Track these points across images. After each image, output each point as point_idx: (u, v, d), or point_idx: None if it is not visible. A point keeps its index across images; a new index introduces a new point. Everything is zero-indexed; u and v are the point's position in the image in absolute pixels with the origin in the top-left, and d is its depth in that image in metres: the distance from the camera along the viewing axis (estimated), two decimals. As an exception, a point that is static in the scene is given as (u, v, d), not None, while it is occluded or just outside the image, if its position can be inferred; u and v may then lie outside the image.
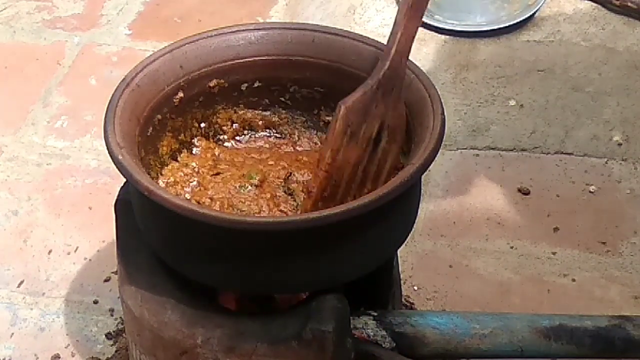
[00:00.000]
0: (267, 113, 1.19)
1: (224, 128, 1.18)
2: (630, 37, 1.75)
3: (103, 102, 1.06)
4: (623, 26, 1.77)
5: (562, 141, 1.62)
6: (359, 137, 1.05)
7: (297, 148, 1.18)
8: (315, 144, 1.18)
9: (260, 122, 1.19)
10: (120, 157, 1.00)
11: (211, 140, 1.16)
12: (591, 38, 1.75)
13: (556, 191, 1.55)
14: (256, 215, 1.09)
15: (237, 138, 1.19)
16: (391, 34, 1.05)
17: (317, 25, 1.19)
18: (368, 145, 1.06)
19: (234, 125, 1.19)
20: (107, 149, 1.01)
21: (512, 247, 1.46)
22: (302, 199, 1.09)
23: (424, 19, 1.80)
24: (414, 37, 1.05)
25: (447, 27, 1.79)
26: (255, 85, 1.17)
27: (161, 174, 1.12)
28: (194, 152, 1.15)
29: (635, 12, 1.78)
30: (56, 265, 1.45)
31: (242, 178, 1.12)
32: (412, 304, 1.37)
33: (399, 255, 1.24)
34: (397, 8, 1.83)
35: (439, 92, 1.07)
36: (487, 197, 1.54)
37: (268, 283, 1.03)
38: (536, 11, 1.80)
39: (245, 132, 1.19)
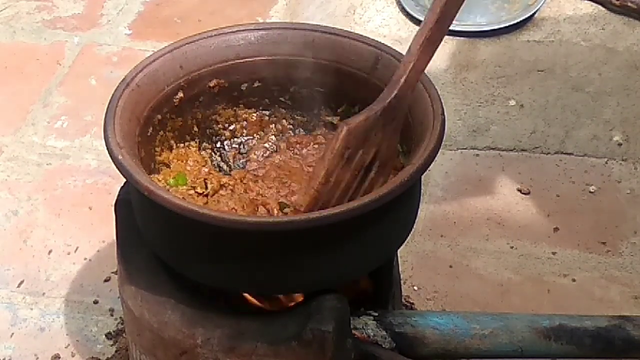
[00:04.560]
0: (267, 113, 1.19)
1: (224, 128, 1.18)
2: (630, 37, 1.75)
3: (103, 102, 1.06)
4: (623, 26, 1.77)
5: (562, 141, 1.62)
6: (354, 162, 1.02)
7: (297, 148, 1.18)
8: (316, 144, 1.18)
9: (260, 122, 1.19)
10: (120, 157, 1.00)
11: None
12: (591, 38, 1.75)
13: (556, 191, 1.55)
14: (256, 215, 1.09)
15: (237, 138, 1.19)
16: (402, 62, 1.02)
17: (317, 25, 1.19)
18: (360, 172, 1.03)
19: (234, 125, 1.19)
20: (107, 149, 1.01)
21: (512, 247, 1.46)
22: None
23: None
24: (423, 70, 1.03)
25: (447, 27, 1.79)
26: (255, 85, 1.17)
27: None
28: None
29: (635, 12, 1.78)
30: (56, 265, 1.45)
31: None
32: (412, 304, 1.37)
33: (399, 255, 1.24)
34: (397, 8, 1.84)
35: (439, 92, 1.07)
36: (487, 197, 1.54)
37: (268, 283, 1.03)
38: (536, 11, 1.80)
39: (245, 132, 1.19)
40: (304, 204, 1.01)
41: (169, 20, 1.92)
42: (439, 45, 1.03)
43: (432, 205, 1.52)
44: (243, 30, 1.15)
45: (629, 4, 1.78)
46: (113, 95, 1.06)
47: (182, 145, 1.15)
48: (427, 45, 1.02)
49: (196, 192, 1.11)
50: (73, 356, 1.33)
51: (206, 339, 1.03)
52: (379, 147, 1.03)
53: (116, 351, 1.32)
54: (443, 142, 1.02)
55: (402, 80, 1.02)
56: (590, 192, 1.54)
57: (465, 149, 1.62)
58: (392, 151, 1.05)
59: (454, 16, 1.03)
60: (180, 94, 1.13)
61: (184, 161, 1.14)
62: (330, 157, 1.01)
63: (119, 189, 1.16)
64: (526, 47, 1.76)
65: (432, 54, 1.03)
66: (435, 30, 1.02)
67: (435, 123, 1.03)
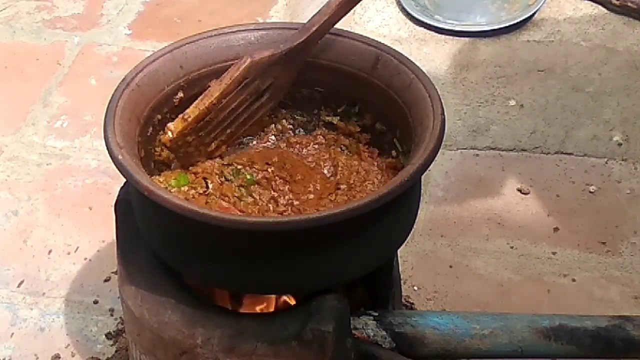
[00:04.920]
0: (267, 113, 1.19)
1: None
2: (630, 37, 1.75)
3: (103, 102, 1.06)
4: (623, 26, 1.77)
5: (562, 141, 1.62)
6: (248, 88, 1.11)
7: (297, 148, 1.18)
8: (316, 144, 1.18)
9: (260, 122, 1.19)
10: (120, 157, 1.00)
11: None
12: (591, 38, 1.75)
13: (556, 191, 1.55)
14: (256, 215, 1.09)
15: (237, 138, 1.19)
16: (319, 12, 1.09)
17: (317, 25, 1.19)
18: (251, 96, 1.12)
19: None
20: (107, 149, 1.01)
21: (512, 247, 1.46)
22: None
23: (424, 19, 1.81)
24: (336, 23, 1.10)
25: (447, 27, 1.79)
26: (255, 85, 1.17)
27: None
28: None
29: (635, 12, 1.78)
30: (56, 265, 1.45)
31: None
32: (412, 304, 1.37)
33: (399, 255, 1.24)
34: (397, 8, 1.84)
35: (439, 92, 1.07)
36: (487, 197, 1.54)
37: (268, 283, 1.03)
38: (536, 11, 1.80)
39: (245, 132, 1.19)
40: (192, 115, 1.09)
41: (169, 20, 1.92)
42: (355, 4, 1.10)
43: (432, 205, 1.52)
44: (243, 30, 1.15)
45: (629, 4, 1.78)
46: (113, 95, 1.06)
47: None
48: (345, 4, 1.09)
49: (197, 192, 1.11)
50: (73, 356, 1.33)
51: (206, 339, 1.03)
52: (275, 78, 1.12)
53: (116, 351, 1.32)
54: (443, 142, 1.02)
55: (314, 28, 1.09)
56: (590, 192, 1.54)
57: (465, 149, 1.62)
58: (288, 79, 1.13)
59: None
60: (180, 94, 1.13)
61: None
62: (228, 82, 1.09)
63: (119, 189, 1.16)
64: (526, 47, 1.76)
65: (348, 11, 1.11)
66: None
67: (435, 123, 1.03)
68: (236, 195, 1.10)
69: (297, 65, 1.12)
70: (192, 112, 1.10)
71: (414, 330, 1.09)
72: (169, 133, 1.10)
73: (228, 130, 1.13)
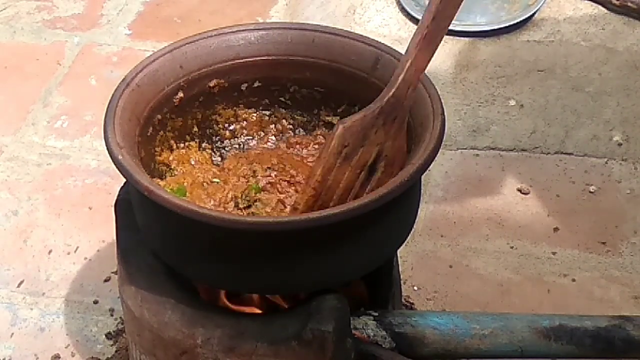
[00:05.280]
0: (267, 113, 1.19)
1: (224, 128, 1.18)
2: (630, 37, 1.75)
3: (103, 102, 1.06)
4: (623, 26, 1.77)
5: (562, 141, 1.62)
6: (353, 160, 1.02)
7: (297, 148, 1.18)
8: (316, 144, 1.18)
9: (260, 122, 1.19)
10: (120, 157, 1.00)
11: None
12: (591, 38, 1.75)
13: (556, 191, 1.55)
14: (256, 215, 1.09)
15: (237, 138, 1.19)
16: (400, 62, 1.03)
17: (317, 25, 1.19)
18: (362, 171, 1.03)
19: (234, 125, 1.19)
20: (107, 149, 1.01)
21: (512, 247, 1.46)
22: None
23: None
24: (423, 69, 1.03)
25: (447, 27, 1.79)
26: (255, 85, 1.17)
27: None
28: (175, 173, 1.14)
29: (635, 12, 1.78)
30: (56, 265, 1.45)
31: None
32: (412, 304, 1.37)
33: (399, 255, 1.24)
34: (397, 8, 1.84)
35: (439, 92, 1.07)
36: (487, 197, 1.54)
37: (268, 283, 1.03)
38: (536, 11, 1.80)
39: (245, 132, 1.19)
40: (301, 203, 1.01)
41: (169, 20, 1.92)
42: (438, 44, 1.03)
43: (432, 205, 1.52)
44: (243, 30, 1.15)
45: (629, 4, 1.78)
46: (113, 95, 1.06)
47: (182, 145, 1.15)
48: (425, 44, 1.02)
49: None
50: (73, 356, 1.33)
51: (206, 339, 1.03)
52: (382, 146, 1.03)
53: (116, 351, 1.32)
54: (443, 142, 1.02)
55: (400, 79, 1.02)
56: (590, 192, 1.54)
57: (465, 149, 1.62)
58: (399, 150, 1.05)
59: (452, 15, 1.03)
60: (180, 94, 1.13)
61: (187, 162, 1.14)
62: (326, 155, 1.01)
63: (119, 189, 1.16)
64: (526, 47, 1.76)
65: (432, 53, 1.03)
66: (432, 28, 1.02)
67: (435, 123, 1.03)
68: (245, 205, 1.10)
69: (399, 125, 1.04)
70: (300, 199, 1.02)
71: (414, 330, 1.09)
72: None
73: None
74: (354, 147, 1.02)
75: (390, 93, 1.02)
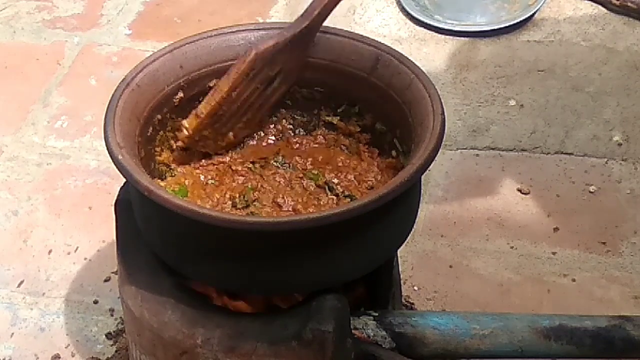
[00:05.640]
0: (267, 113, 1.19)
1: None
2: (630, 37, 1.75)
3: (103, 102, 1.06)
4: (623, 26, 1.77)
5: (562, 141, 1.62)
6: (257, 78, 1.11)
7: (296, 147, 1.18)
8: (316, 144, 1.18)
9: (260, 122, 1.19)
10: (120, 157, 1.00)
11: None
12: (591, 38, 1.75)
13: (556, 191, 1.55)
14: (256, 215, 1.09)
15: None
16: None
17: (317, 25, 1.19)
18: (262, 84, 1.12)
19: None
20: (107, 149, 1.01)
21: (512, 247, 1.46)
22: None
23: (424, 19, 1.81)
24: (336, 5, 1.11)
25: (447, 27, 1.79)
26: (255, 85, 1.17)
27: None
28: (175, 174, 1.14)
29: (635, 12, 1.78)
30: (56, 265, 1.45)
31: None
32: (412, 304, 1.37)
33: (399, 255, 1.24)
34: (397, 8, 1.84)
35: (439, 92, 1.07)
36: (487, 197, 1.54)
37: (268, 283, 1.03)
38: (536, 11, 1.80)
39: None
40: (204, 112, 1.10)
41: (169, 20, 1.92)
42: None
43: (432, 205, 1.52)
44: (243, 30, 1.15)
45: (629, 4, 1.78)
46: (113, 95, 1.06)
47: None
48: None
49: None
50: (73, 356, 1.33)
51: (206, 339, 1.03)
52: (283, 65, 1.12)
53: (116, 351, 1.32)
54: (443, 142, 1.02)
55: (316, 12, 1.10)
56: (590, 192, 1.54)
57: (465, 149, 1.62)
58: (298, 63, 1.13)
59: None
60: (180, 94, 1.13)
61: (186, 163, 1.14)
62: (235, 76, 1.10)
63: (119, 189, 1.16)
64: (526, 47, 1.76)
65: None
66: None
67: (435, 123, 1.03)
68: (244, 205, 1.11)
69: (303, 50, 1.12)
70: (204, 107, 1.10)
71: (414, 330, 1.09)
72: (184, 130, 1.11)
73: (244, 118, 1.14)
74: (260, 69, 1.11)
75: (305, 24, 1.10)
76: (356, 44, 1.13)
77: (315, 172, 1.12)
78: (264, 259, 1.00)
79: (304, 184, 1.12)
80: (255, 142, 1.19)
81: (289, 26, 1.11)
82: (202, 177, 1.13)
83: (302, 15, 1.10)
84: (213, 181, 1.13)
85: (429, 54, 1.76)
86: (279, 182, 1.12)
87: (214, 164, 1.15)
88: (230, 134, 1.14)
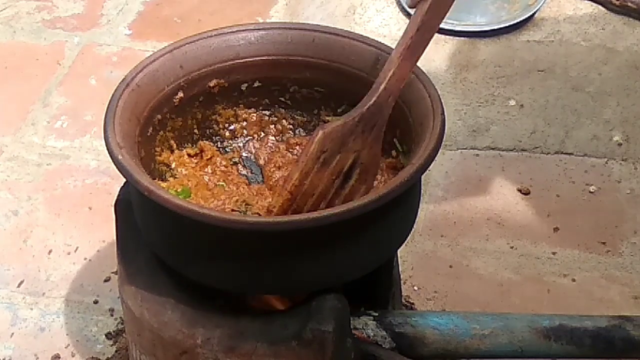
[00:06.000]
0: (267, 113, 1.19)
1: (224, 128, 1.18)
2: (630, 37, 1.75)
3: (103, 102, 1.06)
4: (623, 26, 1.77)
5: (562, 141, 1.62)
6: (330, 166, 1.03)
7: (296, 148, 1.18)
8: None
9: (260, 122, 1.19)
10: (120, 157, 1.00)
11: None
12: (591, 38, 1.75)
13: (556, 191, 1.55)
14: (256, 215, 1.09)
15: (237, 138, 1.19)
16: (383, 70, 1.04)
17: (317, 25, 1.19)
18: (338, 177, 1.04)
19: (234, 125, 1.19)
20: (107, 149, 1.01)
21: (512, 247, 1.46)
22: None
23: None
24: (405, 78, 1.04)
25: (447, 27, 1.79)
26: (255, 85, 1.17)
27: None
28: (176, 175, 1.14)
29: (635, 12, 1.78)
30: (56, 265, 1.45)
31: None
32: (412, 304, 1.37)
33: (399, 255, 1.24)
34: (397, 8, 1.84)
35: (439, 92, 1.07)
36: (487, 197, 1.54)
37: (268, 283, 1.03)
38: (536, 11, 1.80)
39: (245, 132, 1.19)
40: (277, 206, 1.02)
41: (169, 20, 1.92)
42: (421, 54, 1.04)
43: (432, 205, 1.52)
44: (243, 30, 1.15)
45: (629, 4, 1.78)
46: (113, 95, 1.06)
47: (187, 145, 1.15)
48: (408, 54, 1.02)
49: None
50: (73, 356, 1.33)
51: (206, 339, 1.03)
52: (358, 153, 1.04)
53: (116, 351, 1.32)
54: (443, 142, 1.02)
55: (382, 87, 1.03)
56: (590, 192, 1.54)
57: (465, 149, 1.62)
58: (374, 159, 1.06)
59: (437, 26, 1.03)
60: (180, 94, 1.13)
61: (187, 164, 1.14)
62: (305, 159, 1.01)
63: (119, 189, 1.16)
64: (526, 47, 1.75)
65: (414, 63, 1.04)
66: (417, 39, 1.02)
67: (435, 123, 1.03)
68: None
69: (377, 133, 1.05)
70: (276, 202, 1.03)
71: (414, 330, 1.09)
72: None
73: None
74: (332, 153, 1.02)
75: (372, 101, 1.03)
76: (356, 44, 1.14)
77: None
78: (264, 259, 1.00)
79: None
80: (255, 142, 1.19)
81: (357, 106, 1.04)
82: (206, 179, 1.13)
83: (368, 93, 1.03)
84: (222, 183, 1.13)
85: (429, 54, 1.74)
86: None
87: (217, 166, 1.15)
88: None
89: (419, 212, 1.11)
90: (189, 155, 1.14)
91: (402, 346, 1.08)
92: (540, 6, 1.81)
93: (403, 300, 1.35)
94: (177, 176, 1.13)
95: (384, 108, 1.04)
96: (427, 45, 1.03)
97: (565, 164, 1.59)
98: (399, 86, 1.03)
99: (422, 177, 1.04)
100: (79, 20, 1.92)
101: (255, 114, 1.19)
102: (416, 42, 1.02)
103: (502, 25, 1.78)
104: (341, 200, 1.04)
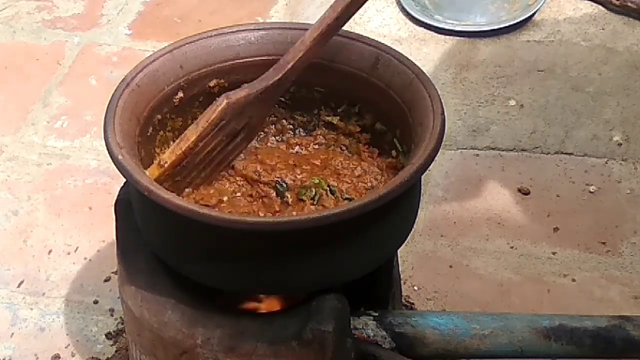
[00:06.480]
0: (267, 113, 1.19)
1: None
2: (630, 37, 1.75)
3: (103, 102, 1.06)
4: (623, 26, 1.77)
5: (562, 141, 1.62)
6: (225, 131, 1.09)
7: (296, 148, 1.18)
8: (316, 144, 1.18)
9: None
10: (120, 157, 1.00)
11: None
12: (591, 38, 1.75)
13: (556, 191, 1.55)
14: (256, 215, 1.09)
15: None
16: (293, 49, 1.07)
17: (317, 25, 1.19)
18: (227, 137, 1.10)
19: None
20: (107, 149, 1.01)
21: (512, 247, 1.46)
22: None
23: (424, 19, 1.81)
24: (310, 60, 1.08)
25: (447, 27, 1.79)
26: (255, 85, 1.17)
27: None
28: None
29: (635, 12, 1.78)
30: (56, 265, 1.45)
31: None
32: (412, 304, 1.37)
33: (399, 255, 1.24)
34: (397, 8, 1.84)
35: (439, 92, 1.07)
36: (487, 197, 1.54)
37: (268, 283, 1.03)
38: (536, 11, 1.80)
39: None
40: (168, 162, 1.06)
41: (169, 20, 1.92)
42: (329, 39, 1.08)
43: (432, 205, 1.52)
44: (243, 30, 1.15)
45: (629, 4, 1.78)
46: (113, 95, 1.06)
47: None
48: (320, 40, 1.07)
49: None
50: (73, 356, 1.33)
51: (206, 339, 1.03)
52: (250, 118, 1.10)
53: (116, 351, 1.32)
54: (443, 142, 1.02)
55: (289, 66, 1.07)
56: (590, 192, 1.54)
57: (465, 149, 1.62)
58: (261, 121, 1.12)
59: (353, 14, 1.07)
60: (180, 94, 1.13)
61: None
62: (204, 125, 1.07)
63: (119, 189, 1.16)
64: (526, 47, 1.75)
65: (322, 49, 1.08)
66: (333, 27, 1.07)
67: (435, 123, 1.03)
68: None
69: (271, 102, 1.11)
70: (168, 157, 1.07)
71: (414, 330, 1.09)
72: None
73: (202, 174, 1.10)
74: (229, 121, 1.08)
75: (278, 77, 1.08)
76: (356, 44, 1.13)
77: (317, 181, 1.12)
78: (263, 259, 1.00)
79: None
80: (255, 142, 1.19)
81: (261, 78, 1.09)
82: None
83: (275, 67, 1.08)
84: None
85: (429, 54, 1.76)
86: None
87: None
88: (187, 189, 1.10)
89: (419, 212, 1.11)
90: None
91: (402, 346, 1.08)
92: (540, 6, 1.81)
93: (403, 300, 1.35)
94: None
95: (286, 84, 1.09)
96: (338, 31, 1.08)
97: (565, 164, 1.59)
98: (303, 67, 1.08)
99: (422, 177, 1.04)
100: (79, 20, 1.92)
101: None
102: (332, 29, 1.07)
103: (502, 25, 1.78)
104: (222, 154, 1.10)
